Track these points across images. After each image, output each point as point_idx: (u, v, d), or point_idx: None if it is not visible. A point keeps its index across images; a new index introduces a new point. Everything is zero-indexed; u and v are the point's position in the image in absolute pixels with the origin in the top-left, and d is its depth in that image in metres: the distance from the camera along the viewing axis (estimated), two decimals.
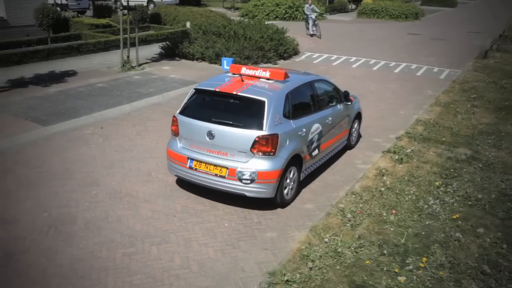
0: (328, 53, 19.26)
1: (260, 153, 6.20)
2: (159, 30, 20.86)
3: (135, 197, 6.85)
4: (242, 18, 22.94)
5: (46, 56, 15.28)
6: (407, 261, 5.41)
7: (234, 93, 6.48)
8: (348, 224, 6.22)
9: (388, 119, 11.03)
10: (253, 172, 6.18)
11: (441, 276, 5.15)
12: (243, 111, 6.53)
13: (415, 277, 5.15)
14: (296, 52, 18.68)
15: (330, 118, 7.67)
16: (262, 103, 6.33)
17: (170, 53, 16.87)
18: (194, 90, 6.97)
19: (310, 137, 7.02)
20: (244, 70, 6.98)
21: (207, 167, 6.41)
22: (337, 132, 8.08)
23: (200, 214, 6.38)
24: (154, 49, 17.66)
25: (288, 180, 6.64)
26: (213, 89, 6.71)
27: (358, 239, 5.85)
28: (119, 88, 12.46)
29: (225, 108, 6.64)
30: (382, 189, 7.21)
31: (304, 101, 7.31)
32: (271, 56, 16.92)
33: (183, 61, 16.46)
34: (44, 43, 16.73)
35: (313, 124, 7.09)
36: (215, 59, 15.90)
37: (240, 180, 6.23)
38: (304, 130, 6.85)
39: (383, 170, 7.92)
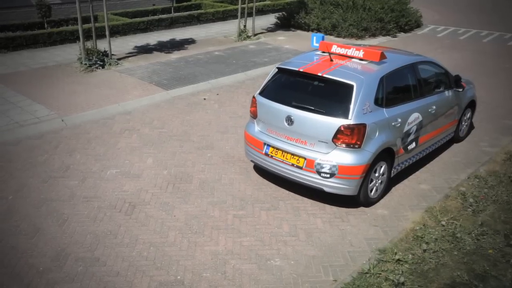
0: (455, 26, 17.75)
1: (344, 145, 5.49)
2: (275, 0, 20.86)
3: (246, 162, 6.99)
4: None
5: (169, 24, 16.12)
6: None
7: (319, 74, 5.76)
8: (470, 209, 5.75)
9: None
10: (334, 166, 5.52)
11: None
12: (327, 95, 5.81)
13: None
14: (418, 25, 17.50)
15: (434, 107, 6.63)
16: (349, 88, 5.55)
17: (286, 24, 16.81)
18: (276, 69, 6.30)
19: (406, 128, 6.10)
20: (335, 48, 6.23)
21: (283, 156, 5.88)
22: (442, 123, 7.00)
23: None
24: (270, 19, 17.74)
25: (375, 177, 5.89)
26: (296, 69, 6.04)
27: (481, 226, 5.38)
28: (235, 56, 12.75)
29: (308, 91, 5.97)
30: None
31: (402, 86, 6.36)
32: (391, 28, 16.07)
33: (298, 31, 16.30)
34: (167, 12, 17.66)
35: (411, 114, 6.17)
36: (331, 30, 15.55)
37: (319, 173, 5.61)
38: (400, 120, 5.95)
39: None
